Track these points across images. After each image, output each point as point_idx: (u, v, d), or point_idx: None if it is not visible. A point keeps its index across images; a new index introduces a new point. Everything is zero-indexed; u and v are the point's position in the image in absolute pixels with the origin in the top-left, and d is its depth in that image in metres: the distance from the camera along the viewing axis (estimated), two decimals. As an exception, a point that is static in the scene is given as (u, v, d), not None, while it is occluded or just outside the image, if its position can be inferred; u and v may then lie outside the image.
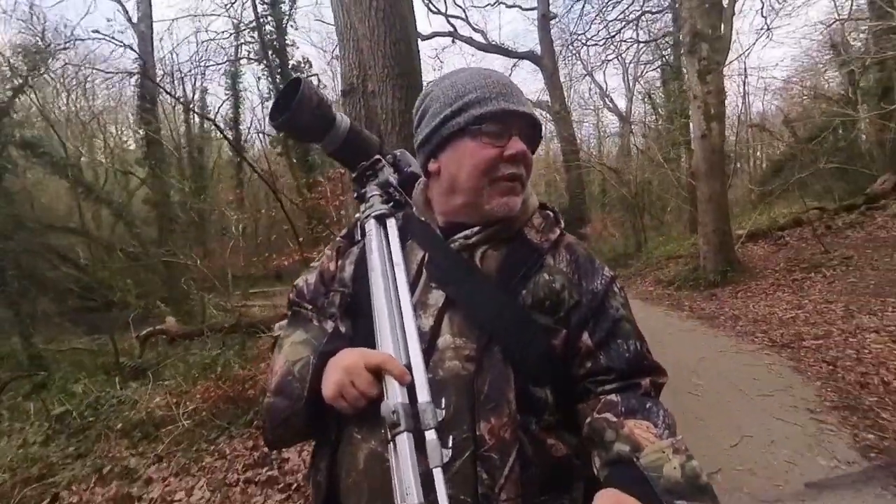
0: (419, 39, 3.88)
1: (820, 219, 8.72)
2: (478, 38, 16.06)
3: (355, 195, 0.89)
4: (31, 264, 9.87)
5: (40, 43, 11.09)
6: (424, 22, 18.48)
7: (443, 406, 0.62)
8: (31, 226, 10.50)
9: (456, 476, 0.61)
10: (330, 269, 0.84)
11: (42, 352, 7.77)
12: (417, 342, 0.64)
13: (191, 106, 14.70)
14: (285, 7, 13.09)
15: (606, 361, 0.72)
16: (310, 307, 0.84)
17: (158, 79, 13.34)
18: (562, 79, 15.43)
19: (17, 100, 10.51)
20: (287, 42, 13.11)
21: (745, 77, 13.41)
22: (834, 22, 10.68)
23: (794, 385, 3.34)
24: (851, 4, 10.01)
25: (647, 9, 13.42)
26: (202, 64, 15.19)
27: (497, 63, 16.80)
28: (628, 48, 15.38)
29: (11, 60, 10.53)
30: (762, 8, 10.72)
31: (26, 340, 7.82)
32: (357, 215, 0.85)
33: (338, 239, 0.89)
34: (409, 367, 0.63)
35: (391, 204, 0.84)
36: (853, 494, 2.08)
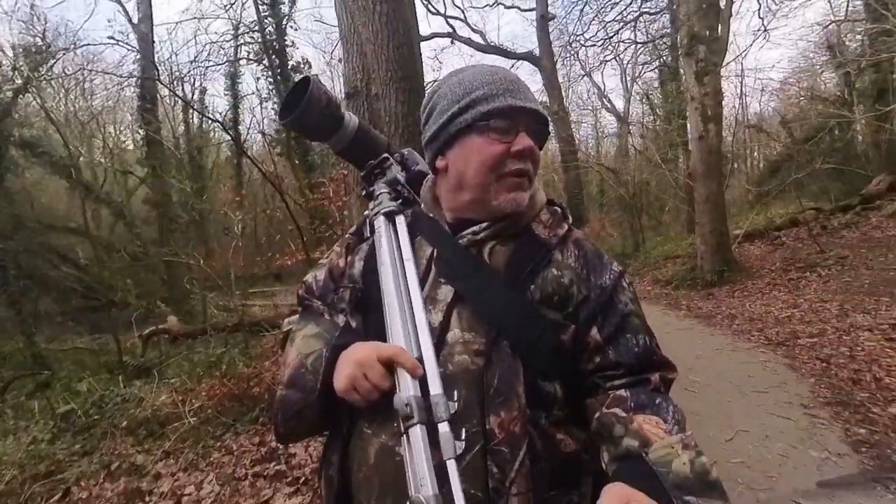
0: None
1: (816, 219, 8.78)
2: (477, 38, 16.08)
3: (364, 193, 0.90)
4: (32, 264, 9.85)
5: (41, 43, 11.10)
6: (423, 23, 18.38)
7: (454, 399, 0.61)
8: (31, 226, 10.47)
9: (466, 470, 0.60)
10: (339, 266, 0.85)
11: (44, 351, 7.75)
12: (429, 335, 0.64)
13: (193, 105, 14.68)
14: (285, 8, 13.16)
15: (615, 356, 0.71)
16: (319, 302, 0.84)
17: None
18: (560, 79, 15.49)
19: (17, 99, 10.51)
20: (287, 43, 13.17)
21: (743, 78, 13.65)
22: (830, 24, 10.73)
23: (788, 382, 3.41)
24: (847, 6, 10.08)
25: (645, 10, 13.54)
26: (202, 65, 15.21)
27: (496, 64, 16.77)
28: (626, 49, 15.51)
29: (13, 61, 10.53)
30: (759, 9, 10.76)
31: (29, 340, 7.79)
32: (366, 212, 0.85)
33: (347, 236, 0.90)
34: (420, 360, 0.62)
35: (400, 201, 0.83)
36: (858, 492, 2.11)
